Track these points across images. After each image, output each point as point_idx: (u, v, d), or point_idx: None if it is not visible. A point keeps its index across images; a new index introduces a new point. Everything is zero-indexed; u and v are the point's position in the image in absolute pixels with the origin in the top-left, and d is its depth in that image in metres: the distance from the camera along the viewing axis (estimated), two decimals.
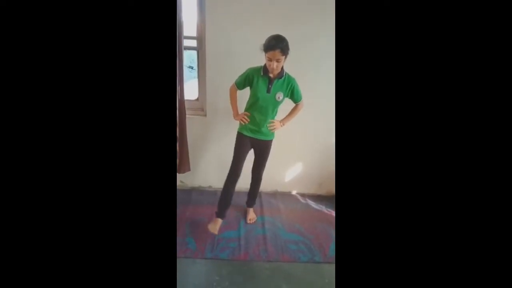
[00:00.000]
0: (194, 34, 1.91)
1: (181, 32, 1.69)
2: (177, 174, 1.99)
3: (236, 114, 1.65)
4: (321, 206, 2.12)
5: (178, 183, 2.19)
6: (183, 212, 1.91)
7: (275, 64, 1.39)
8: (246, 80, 1.55)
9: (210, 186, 2.24)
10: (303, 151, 2.14)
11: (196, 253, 1.58)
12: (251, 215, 1.90)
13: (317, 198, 2.22)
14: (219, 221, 1.74)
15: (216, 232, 1.70)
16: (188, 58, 3.31)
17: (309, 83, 1.94)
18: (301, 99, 1.60)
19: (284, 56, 1.40)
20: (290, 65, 1.86)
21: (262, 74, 1.49)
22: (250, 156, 1.72)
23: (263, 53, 1.41)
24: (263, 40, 1.56)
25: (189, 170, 1.99)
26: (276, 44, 1.36)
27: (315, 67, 1.90)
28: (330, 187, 2.24)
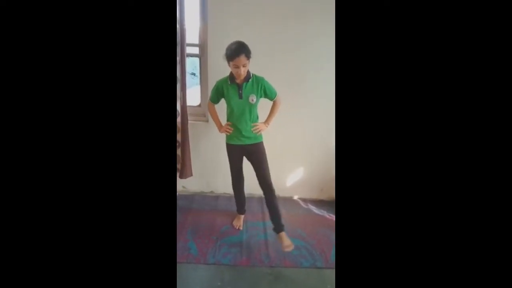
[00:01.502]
0: (197, 41, 1.94)
1: (184, 40, 1.72)
2: (180, 179, 2.01)
3: (219, 127, 1.69)
4: (322, 211, 2.12)
5: (180, 188, 2.20)
6: (185, 218, 1.92)
7: (242, 69, 1.43)
8: (217, 93, 1.60)
9: (212, 192, 2.25)
10: (305, 156, 2.14)
11: (198, 258, 1.58)
12: (286, 242, 1.60)
13: (319, 203, 2.22)
14: (241, 216, 1.92)
15: (241, 228, 1.86)
16: (191, 65, 3.34)
17: (309, 85, 1.96)
18: (276, 95, 1.62)
19: (248, 60, 1.44)
20: (291, 66, 1.89)
21: (229, 82, 1.53)
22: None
23: (233, 61, 1.42)
24: (264, 47, 1.59)
25: (191, 175, 2.01)
26: (240, 50, 1.39)
27: (314, 70, 1.92)
28: (331, 192, 2.24)
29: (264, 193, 1.67)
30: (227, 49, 1.43)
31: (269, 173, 1.66)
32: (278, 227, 1.65)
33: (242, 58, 1.40)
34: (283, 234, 1.64)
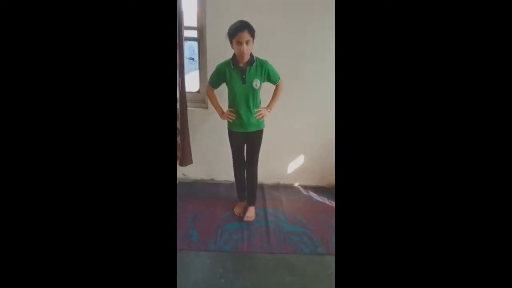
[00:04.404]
0: (195, 24, 1.87)
1: (181, 23, 1.66)
2: (179, 167, 1.99)
3: (221, 114, 1.64)
4: (323, 198, 2.12)
5: (180, 176, 2.19)
6: (186, 205, 1.92)
7: (245, 47, 1.37)
8: (218, 77, 1.54)
9: (212, 179, 2.24)
10: (305, 143, 2.12)
11: (200, 245, 1.59)
12: (250, 212, 1.82)
13: (319, 190, 2.22)
14: (242, 203, 1.90)
15: (241, 214, 1.83)
16: (189, 50, 3.26)
17: (310, 74, 1.91)
18: (279, 79, 1.58)
19: (252, 38, 1.39)
20: (292, 52, 1.84)
21: (232, 66, 1.47)
22: None
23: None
24: (265, 30, 1.53)
25: (191, 163, 1.99)
26: (243, 26, 1.35)
27: (316, 57, 1.87)
28: (332, 179, 2.23)
29: (248, 179, 1.76)
30: (230, 27, 1.39)
31: (257, 162, 1.72)
32: (250, 202, 1.84)
33: (245, 33, 1.35)
34: (252, 208, 1.83)
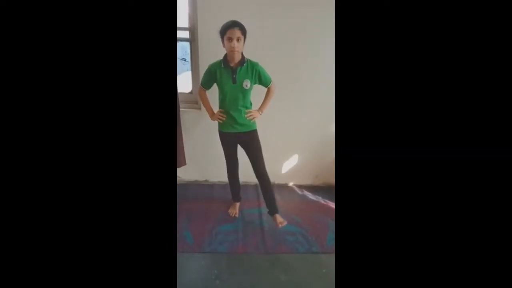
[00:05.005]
0: (186, 24, 1.86)
1: None
2: None
3: (211, 115, 1.64)
4: (317, 197, 2.13)
5: None
6: (180, 207, 1.90)
7: (235, 43, 1.38)
8: (209, 77, 1.54)
9: (206, 180, 2.23)
10: (300, 142, 2.13)
11: (194, 247, 1.58)
12: (277, 219, 1.72)
13: (314, 189, 2.23)
14: (237, 204, 1.90)
15: (236, 215, 1.85)
16: (181, 50, 3.24)
17: (304, 72, 1.92)
18: (270, 82, 1.58)
19: (243, 37, 1.40)
20: (285, 52, 1.84)
21: (223, 66, 1.48)
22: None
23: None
24: (258, 30, 1.53)
25: (184, 164, 1.97)
26: (234, 23, 1.37)
27: (312, 56, 1.88)
28: (326, 178, 2.24)
29: (259, 181, 1.70)
30: (222, 26, 1.40)
31: (263, 161, 1.66)
32: (272, 211, 1.74)
33: (236, 30, 1.36)
34: (276, 215, 1.73)
